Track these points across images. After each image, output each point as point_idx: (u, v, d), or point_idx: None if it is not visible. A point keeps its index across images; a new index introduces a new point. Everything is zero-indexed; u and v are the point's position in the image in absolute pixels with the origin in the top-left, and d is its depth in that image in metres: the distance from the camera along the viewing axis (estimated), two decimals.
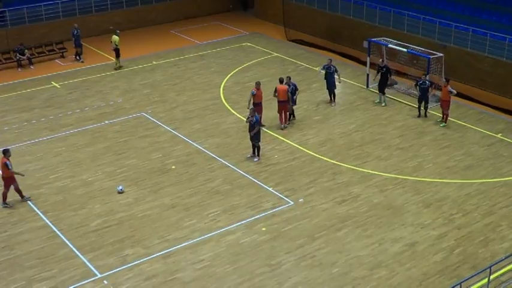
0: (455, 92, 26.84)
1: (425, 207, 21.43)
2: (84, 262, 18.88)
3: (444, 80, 27.41)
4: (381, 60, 29.69)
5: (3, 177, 21.91)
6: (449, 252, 19.10)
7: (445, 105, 27.09)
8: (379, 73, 28.99)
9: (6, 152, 21.77)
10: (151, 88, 31.93)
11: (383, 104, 29.24)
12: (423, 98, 27.68)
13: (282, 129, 26.91)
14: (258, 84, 26.28)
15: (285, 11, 40.38)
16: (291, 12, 40.32)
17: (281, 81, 26.77)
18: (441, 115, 27.54)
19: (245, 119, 24.80)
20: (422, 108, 27.95)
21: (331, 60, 29.20)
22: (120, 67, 34.53)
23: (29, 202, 21.92)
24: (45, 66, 35.19)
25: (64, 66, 35.19)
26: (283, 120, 26.97)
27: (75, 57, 35.80)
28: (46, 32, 37.81)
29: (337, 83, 29.29)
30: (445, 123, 27.22)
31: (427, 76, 27.82)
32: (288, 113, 27.17)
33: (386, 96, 29.57)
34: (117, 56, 34.38)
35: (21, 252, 19.41)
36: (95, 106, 29.74)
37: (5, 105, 30.10)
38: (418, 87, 27.79)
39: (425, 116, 27.99)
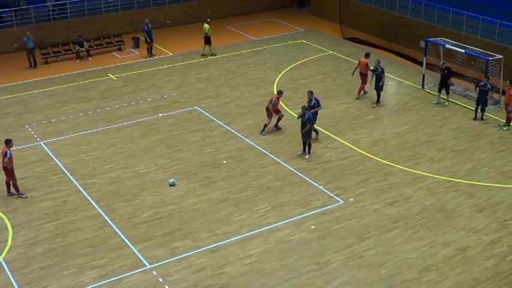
0: None
1: (478, 212, 21.01)
2: (134, 252, 19.18)
3: (509, 82, 26.64)
4: (441, 62, 29.16)
5: (4, 168, 21.78)
6: (501, 259, 18.68)
7: (508, 108, 26.48)
8: (442, 75, 28.54)
9: (8, 142, 21.81)
10: (205, 82, 32.19)
11: (446, 104, 28.82)
12: (481, 101, 27.14)
13: (356, 98, 29.59)
14: (280, 93, 26.25)
15: (341, 9, 40.12)
16: (347, 10, 40.04)
17: (366, 55, 29.57)
18: (502, 119, 26.97)
19: (296, 116, 24.79)
20: (479, 110, 27.41)
21: (379, 62, 28.87)
22: (213, 54, 35.72)
23: (83, 191, 22.38)
24: (102, 58, 35.87)
25: (121, 59, 35.81)
26: (359, 90, 29.68)
27: (148, 53, 35.97)
28: (104, 25, 38.59)
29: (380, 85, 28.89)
30: (509, 126, 26.62)
31: (489, 78, 27.28)
32: (363, 87, 29.77)
33: (442, 97, 29.12)
34: (208, 43, 35.56)
35: (74, 240, 19.83)
36: (149, 99, 30.16)
37: (64, 96, 30.81)
38: (478, 89, 27.24)
39: (482, 118, 27.43)
